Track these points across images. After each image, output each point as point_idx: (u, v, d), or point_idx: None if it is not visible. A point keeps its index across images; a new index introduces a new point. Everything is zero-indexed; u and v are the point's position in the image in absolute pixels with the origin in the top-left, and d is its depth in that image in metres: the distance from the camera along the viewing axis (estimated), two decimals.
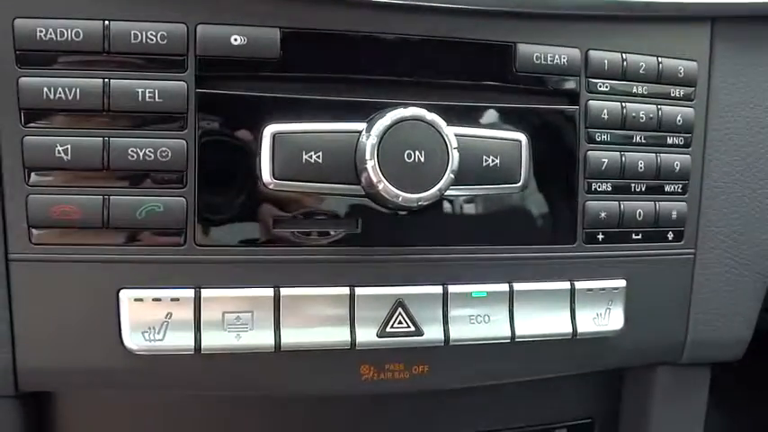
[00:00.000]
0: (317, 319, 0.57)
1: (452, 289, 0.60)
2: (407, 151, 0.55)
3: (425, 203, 0.55)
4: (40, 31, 0.51)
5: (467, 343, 0.60)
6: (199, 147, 0.54)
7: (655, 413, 0.74)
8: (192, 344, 0.55)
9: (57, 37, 0.51)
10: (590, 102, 0.62)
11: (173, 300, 0.55)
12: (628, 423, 0.78)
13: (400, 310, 0.59)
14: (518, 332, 0.62)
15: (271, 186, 0.55)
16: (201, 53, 0.54)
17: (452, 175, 0.55)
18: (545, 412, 0.75)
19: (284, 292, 0.56)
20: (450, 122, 0.56)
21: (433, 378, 0.61)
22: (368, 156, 0.54)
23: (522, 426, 0.74)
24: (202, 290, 0.55)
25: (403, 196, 0.54)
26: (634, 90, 0.64)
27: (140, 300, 0.54)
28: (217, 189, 0.55)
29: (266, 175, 0.55)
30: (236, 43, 0.54)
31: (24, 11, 0.51)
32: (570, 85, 0.62)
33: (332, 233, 0.57)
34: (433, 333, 0.59)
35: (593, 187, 0.63)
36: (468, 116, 0.59)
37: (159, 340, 0.54)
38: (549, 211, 0.63)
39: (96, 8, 0.52)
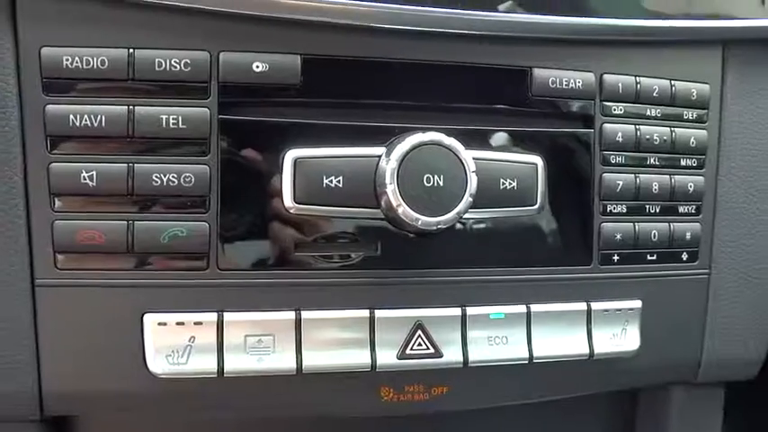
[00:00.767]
0: (338, 342, 0.58)
1: (471, 311, 0.60)
2: (426, 175, 0.55)
3: (444, 227, 0.56)
4: (66, 60, 0.52)
5: (485, 364, 0.61)
6: (221, 172, 0.55)
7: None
8: (215, 367, 0.55)
9: (82, 65, 0.52)
10: (605, 125, 0.63)
11: (196, 323, 0.55)
12: None
13: (420, 332, 0.59)
14: (536, 353, 0.62)
15: (292, 210, 0.56)
16: (224, 80, 0.54)
17: (471, 199, 0.56)
18: None
19: (305, 315, 0.57)
20: (467, 146, 0.57)
21: (452, 399, 0.62)
22: (388, 180, 0.55)
23: None
24: (225, 313, 0.56)
25: (422, 220, 0.55)
26: (648, 113, 0.65)
27: (164, 324, 0.55)
28: (239, 214, 0.56)
29: (288, 199, 0.56)
30: (257, 70, 0.55)
31: (51, 40, 0.52)
32: (585, 108, 0.63)
33: (352, 256, 0.58)
34: (452, 355, 0.60)
35: (608, 209, 0.64)
36: (485, 140, 0.60)
37: (183, 364, 0.55)
38: (565, 233, 0.64)
39: (121, 36, 0.53)
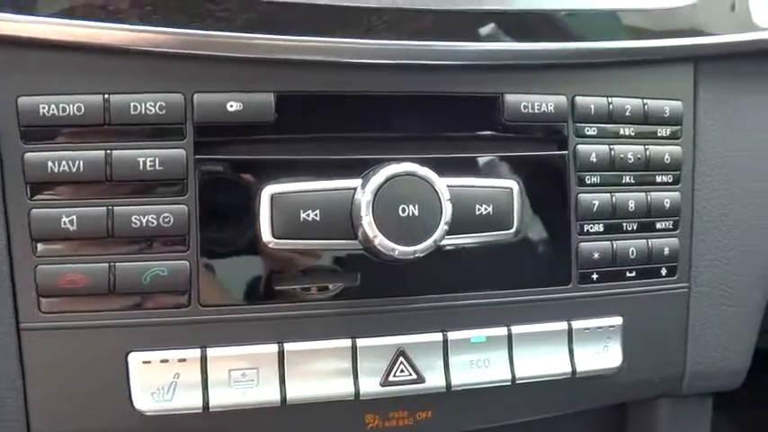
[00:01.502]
0: (322, 372, 0.59)
1: (452, 335, 0.61)
2: (402, 206, 0.56)
3: (421, 255, 0.57)
4: (43, 108, 0.53)
5: (468, 387, 0.62)
6: (200, 211, 0.56)
7: None
8: (201, 403, 0.56)
9: (59, 112, 0.53)
10: (578, 146, 0.64)
11: (180, 360, 0.56)
12: None
13: (402, 359, 0.60)
14: (518, 374, 0.63)
15: (271, 245, 0.57)
16: (199, 121, 0.55)
17: (446, 227, 0.57)
18: None
19: (288, 347, 0.58)
20: (442, 174, 0.58)
21: (436, 423, 0.63)
22: (363, 212, 0.55)
23: None
24: (208, 349, 0.57)
25: (399, 249, 0.56)
26: (621, 132, 0.66)
27: (148, 362, 0.56)
28: (219, 250, 0.57)
29: (266, 234, 0.56)
30: (231, 109, 0.56)
31: (27, 89, 0.53)
32: (558, 131, 0.64)
33: (331, 287, 0.59)
34: (434, 380, 0.61)
35: (585, 229, 0.65)
36: (459, 167, 0.61)
37: (168, 401, 0.56)
38: (543, 255, 0.65)
39: (96, 82, 0.54)
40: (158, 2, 0.54)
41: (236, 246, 0.57)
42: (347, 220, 0.57)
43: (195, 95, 0.55)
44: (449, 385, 0.61)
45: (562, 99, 0.63)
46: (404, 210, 0.56)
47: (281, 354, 0.58)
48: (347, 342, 0.59)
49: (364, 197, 0.56)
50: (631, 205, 0.66)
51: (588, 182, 0.65)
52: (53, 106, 0.53)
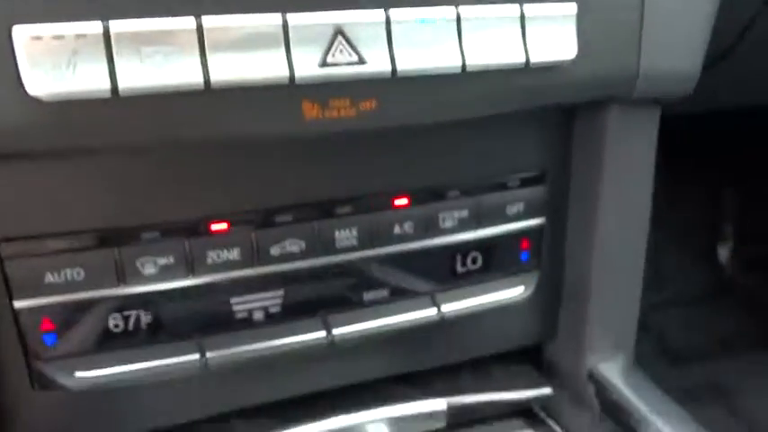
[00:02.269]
0: (250, 53, 0.51)
1: (395, 14, 0.54)
2: None
3: None
4: None
5: (415, 74, 0.55)
6: None
7: (607, 156, 0.72)
8: (108, 85, 0.48)
9: None
10: None
11: (78, 36, 0.47)
12: (579, 171, 0.76)
13: (340, 37, 0.53)
14: (468, 61, 0.57)
15: None
16: None
17: None
18: (495, 165, 0.72)
19: (207, 21, 0.49)
20: None
21: (380, 114, 0.56)
22: None
23: (473, 180, 0.71)
24: (111, 22, 0.47)
25: None
26: None
27: (39, 38, 0.46)
28: None
29: None
30: None
31: None
32: None
33: None
34: (378, 63, 0.54)
35: None
36: None
37: (67, 81, 0.47)
38: None
39: None
40: None
41: None
42: None
43: None
44: (394, 70, 0.54)
45: None
46: None
47: (199, 29, 0.49)
48: (277, 17, 0.51)
49: None
50: None
51: None
52: None
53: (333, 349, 0.68)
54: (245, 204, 0.63)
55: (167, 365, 0.64)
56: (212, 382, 0.68)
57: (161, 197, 0.61)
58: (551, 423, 0.80)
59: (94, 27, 0.47)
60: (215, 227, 0.62)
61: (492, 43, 0.58)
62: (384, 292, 0.71)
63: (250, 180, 0.63)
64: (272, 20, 0.51)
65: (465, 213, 0.71)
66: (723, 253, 1.36)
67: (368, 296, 0.70)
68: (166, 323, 0.64)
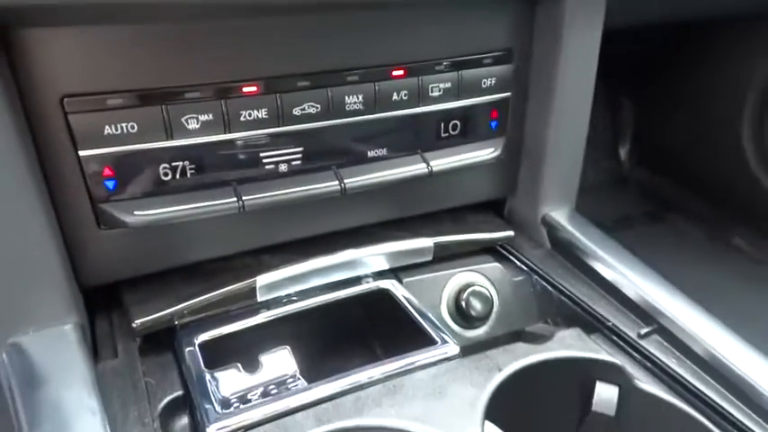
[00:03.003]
0: None
1: None
2: None
3: None
4: None
5: None
6: None
7: (564, 39, 0.88)
8: None
9: None
10: None
11: None
12: (539, 52, 0.92)
13: None
14: None
15: None
16: None
17: None
18: (473, 44, 0.86)
19: None
20: None
21: None
22: None
23: (455, 56, 0.85)
24: None
25: None
26: None
27: None
28: None
29: None
30: None
31: None
32: None
33: None
34: None
35: None
36: None
37: None
38: None
39: None
40: None
41: None
42: None
43: None
44: None
45: None
46: None
47: None
48: None
49: None
50: None
51: None
52: None
53: (344, 198, 0.82)
54: (272, 71, 0.75)
55: (211, 206, 0.76)
56: (245, 223, 0.81)
57: (202, 62, 0.72)
58: (512, 259, 0.98)
59: None
60: (246, 89, 0.74)
61: None
62: (384, 151, 0.84)
63: (275, 50, 0.74)
64: None
65: (449, 85, 0.85)
66: (623, 151, 1.64)
67: (371, 153, 0.84)
68: (208, 172, 0.75)
